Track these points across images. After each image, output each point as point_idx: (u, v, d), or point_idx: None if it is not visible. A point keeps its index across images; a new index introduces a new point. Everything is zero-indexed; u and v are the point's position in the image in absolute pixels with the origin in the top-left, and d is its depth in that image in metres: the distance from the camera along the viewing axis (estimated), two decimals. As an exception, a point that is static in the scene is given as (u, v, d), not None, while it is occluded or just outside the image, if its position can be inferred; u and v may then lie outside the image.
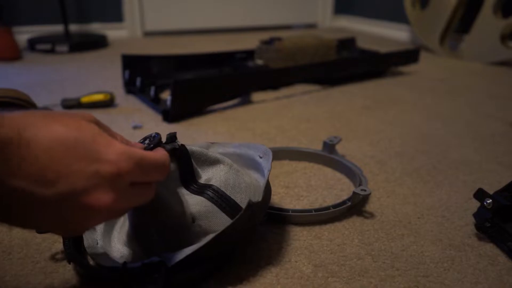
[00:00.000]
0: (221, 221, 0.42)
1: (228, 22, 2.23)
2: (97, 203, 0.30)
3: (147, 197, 0.35)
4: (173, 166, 0.42)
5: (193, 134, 0.81)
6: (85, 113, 0.33)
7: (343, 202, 0.54)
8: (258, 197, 0.43)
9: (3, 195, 0.27)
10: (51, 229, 0.32)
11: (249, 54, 1.29)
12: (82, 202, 0.29)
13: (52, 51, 1.62)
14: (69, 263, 0.42)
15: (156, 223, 0.40)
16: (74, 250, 0.42)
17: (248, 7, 2.25)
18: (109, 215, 0.32)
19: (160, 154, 0.36)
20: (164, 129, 0.83)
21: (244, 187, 0.45)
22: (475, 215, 0.51)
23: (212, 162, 0.46)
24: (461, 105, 1.01)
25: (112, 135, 0.35)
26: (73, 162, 0.29)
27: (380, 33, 2.19)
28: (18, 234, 0.49)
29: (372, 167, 0.68)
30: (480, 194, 0.51)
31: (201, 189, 0.44)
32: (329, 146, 0.68)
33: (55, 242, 0.47)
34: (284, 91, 1.11)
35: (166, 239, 0.41)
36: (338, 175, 0.65)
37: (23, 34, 1.81)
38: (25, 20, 1.87)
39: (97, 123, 0.33)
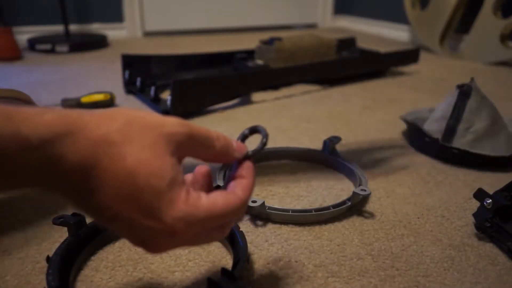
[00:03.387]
0: None
1: (228, 22, 2.23)
2: (147, 248, 0.30)
3: (221, 237, 0.34)
4: None
5: (193, 134, 0.81)
6: (176, 127, 0.29)
7: (343, 202, 0.54)
8: None
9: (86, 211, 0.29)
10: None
11: (249, 54, 1.29)
12: (136, 240, 0.30)
13: (52, 51, 1.62)
14: None
15: None
16: (59, 281, 0.38)
17: (248, 7, 2.24)
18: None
19: (235, 199, 0.32)
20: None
21: None
22: (475, 215, 0.51)
23: None
24: (461, 105, 1.01)
25: (202, 154, 0.33)
26: (131, 210, 0.28)
27: (380, 33, 2.19)
28: (19, 234, 0.49)
29: (372, 167, 0.68)
30: (480, 194, 0.51)
31: None
32: (329, 146, 0.68)
33: (55, 242, 0.47)
34: (284, 91, 1.11)
35: None
36: (338, 175, 0.65)
37: (23, 34, 1.81)
38: (25, 20, 1.87)
39: (186, 144, 0.30)
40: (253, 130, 0.37)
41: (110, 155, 0.27)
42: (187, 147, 0.30)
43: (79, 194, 0.27)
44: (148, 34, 2.09)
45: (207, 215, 0.30)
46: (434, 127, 0.72)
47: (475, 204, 0.52)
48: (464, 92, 0.70)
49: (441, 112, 0.72)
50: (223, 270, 0.36)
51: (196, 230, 0.30)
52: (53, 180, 0.26)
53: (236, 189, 0.33)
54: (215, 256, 0.46)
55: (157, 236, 0.29)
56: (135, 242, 0.30)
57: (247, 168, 0.35)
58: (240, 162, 0.35)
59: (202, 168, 0.35)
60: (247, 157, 0.35)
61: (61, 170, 0.25)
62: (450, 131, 0.69)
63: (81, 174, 0.26)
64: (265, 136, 0.36)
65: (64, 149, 0.25)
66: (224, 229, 0.33)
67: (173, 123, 0.29)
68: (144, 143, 0.28)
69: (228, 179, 0.35)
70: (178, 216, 0.28)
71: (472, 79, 0.70)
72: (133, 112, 0.29)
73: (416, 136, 0.76)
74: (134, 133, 0.28)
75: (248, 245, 0.47)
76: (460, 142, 0.68)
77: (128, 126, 0.28)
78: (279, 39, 1.24)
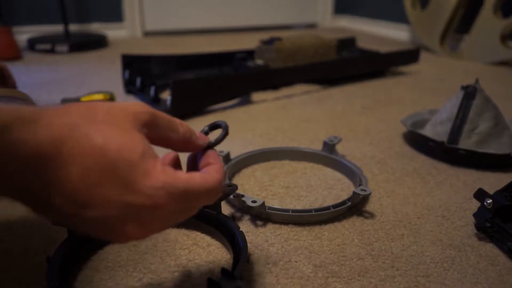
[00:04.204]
0: None
1: (228, 22, 2.23)
2: (129, 233, 0.28)
3: (189, 216, 0.33)
4: None
5: (193, 134, 0.81)
6: (139, 108, 0.29)
7: (343, 202, 0.54)
8: None
9: (49, 210, 0.26)
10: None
11: (249, 54, 1.29)
12: (115, 227, 0.28)
13: (52, 51, 1.62)
14: None
15: None
16: (59, 282, 0.38)
17: (248, 7, 2.24)
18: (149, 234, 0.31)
19: (211, 177, 0.31)
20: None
21: None
22: (475, 215, 0.51)
23: None
24: (461, 105, 1.01)
25: (169, 138, 0.32)
26: (106, 189, 0.26)
27: (380, 33, 2.19)
28: (19, 234, 0.49)
29: (372, 167, 0.68)
30: (480, 194, 0.50)
31: None
32: (329, 146, 0.68)
33: (55, 243, 0.47)
34: (284, 91, 1.11)
35: None
36: (338, 175, 0.65)
37: (23, 34, 1.81)
38: (25, 20, 1.87)
39: (151, 123, 0.30)
40: (214, 126, 0.38)
41: (75, 137, 0.26)
42: (152, 127, 0.30)
43: (42, 188, 0.25)
44: (148, 34, 2.09)
45: (187, 187, 0.29)
46: (438, 129, 0.72)
47: (476, 204, 0.52)
48: (469, 93, 0.70)
49: (446, 113, 0.72)
50: (223, 270, 0.36)
51: (177, 205, 0.29)
52: (10, 172, 0.24)
53: (210, 171, 0.33)
54: (215, 256, 0.46)
55: (138, 212, 0.27)
56: (113, 230, 0.28)
57: (212, 155, 0.35)
58: (204, 152, 0.36)
59: (170, 153, 0.36)
60: (209, 146, 0.36)
61: (20, 159, 0.24)
62: (456, 132, 0.69)
63: (43, 163, 0.25)
64: (225, 128, 0.37)
65: (23, 135, 0.24)
66: (195, 209, 0.32)
67: (136, 105, 0.30)
68: (109, 122, 0.27)
69: (195, 169, 0.36)
70: (158, 185, 0.27)
71: (476, 80, 0.70)
72: (96, 102, 0.29)
73: (418, 141, 0.76)
74: (99, 116, 0.27)
75: (248, 245, 0.47)
76: (466, 143, 0.68)
77: (91, 111, 0.28)
78: (279, 39, 1.24)
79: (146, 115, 0.30)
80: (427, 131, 0.75)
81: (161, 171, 0.28)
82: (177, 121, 0.33)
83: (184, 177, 0.29)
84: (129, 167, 0.27)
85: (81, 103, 0.28)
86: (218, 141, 0.37)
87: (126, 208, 0.27)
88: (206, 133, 0.38)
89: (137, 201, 0.27)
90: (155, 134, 0.31)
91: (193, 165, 0.37)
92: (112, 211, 0.27)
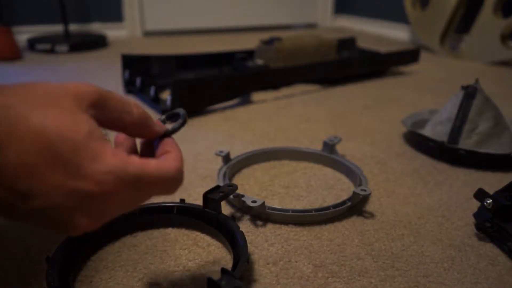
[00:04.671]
0: None
1: (228, 22, 2.23)
2: (79, 224, 0.26)
3: (143, 202, 0.30)
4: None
5: (193, 134, 0.81)
6: (83, 87, 0.27)
7: (343, 202, 0.54)
8: None
9: None
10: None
11: (249, 54, 1.29)
12: (63, 218, 0.26)
13: (52, 51, 1.62)
14: None
15: None
16: (59, 282, 0.38)
17: (248, 7, 2.24)
18: (96, 226, 0.28)
19: (168, 165, 0.29)
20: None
21: None
22: (475, 215, 0.51)
23: None
24: (461, 105, 1.01)
25: (121, 120, 0.29)
26: (49, 175, 0.24)
27: (380, 33, 2.19)
28: (19, 234, 0.49)
29: (372, 167, 0.68)
30: (480, 194, 0.51)
31: None
32: (329, 146, 0.68)
33: (55, 243, 0.47)
34: (284, 91, 1.11)
35: None
36: (338, 175, 0.65)
37: (23, 34, 1.81)
38: (25, 20, 1.87)
39: (99, 104, 0.28)
40: (171, 115, 0.37)
41: (10, 118, 0.23)
42: (101, 107, 0.28)
43: None
44: (148, 34, 2.09)
45: (140, 174, 0.27)
46: (439, 129, 0.72)
47: (476, 204, 0.52)
48: (469, 93, 0.70)
49: (446, 114, 0.72)
50: (223, 270, 0.36)
51: (129, 193, 0.27)
52: None
53: (167, 158, 0.31)
54: (215, 256, 0.46)
55: (86, 200, 0.25)
56: (61, 222, 0.26)
57: (170, 143, 0.33)
58: (161, 140, 0.34)
59: (123, 136, 0.34)
60: (167, 134, 0.34)
61: None
62: (456, 132, 0.69)
63: None
64: (183, 116, 0.36)
65: None
66: (149, 197, 0.29)
67: (80, 84, 0.27)
68: (49, 102, 0.25)
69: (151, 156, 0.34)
70: (107, 169, 0.25)
71: (476, 80, 0.70)
72: (36, 82, 0.26)
73: (418, 141, 0.76)
74: (36, 96, 0.25)
75: (248, 245, 0.47)
76: (466, 143, 0.68)
77: (28, 91, 0.25)
78: (279, 39, 1.24)
79: (92, 95, 0.27)
80: (427, 131, 0.75)
81: (111, 154, 0.26)
82: (132, 102, 0.31)
83: (137, 163, 0.27)
84: (73, 149, 0.24)
85: (19, 83, 0.26)
86: (176, 129, 0.35)
87: (73, 196, 0.25)
88: (164, 122, 0.36)
89: (84, 187, 0.25)
90: (105, 116, 0.28)
91: (148, 154, 0.34)
92: (57, 200, 0.25)
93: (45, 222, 0.26)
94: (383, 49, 1.50)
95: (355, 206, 0.56)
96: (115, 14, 2.02)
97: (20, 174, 0.24)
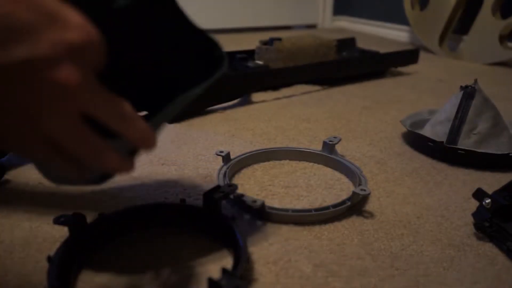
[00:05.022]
0: None
1: (228, 22, 2.23)
2: (64, 77, 0.24)
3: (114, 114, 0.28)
4: None
5: (193, 134, 0.81)
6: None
7: (343, 202, 0.54)
8: None
9: None
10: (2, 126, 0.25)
11: (249, 54, 1.29)
12: (45, 75, 0.23)
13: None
14: None
15: None
16: (59, 281, 0.38)
17: (248, 8, 2.25)
18: (76, 106, 0.25)
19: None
20: (164, 129, 0.83)
21: None
22: (474, 214, 0.52)
23: None
24: (460, 106, 1.01)
25: None
26: (36, 22, 0.23)
27: (379, 34, 2.20)
28: (20, 234, 0.49)
29: (372, 167, 0.68)
30: (479, 194, 0.51)
31: None
32: (329, 146, 0.68)
33: (56, 242, 0.47)
34: (284, 91, 1.12)
35: None
36: (338, 175, 0.66)
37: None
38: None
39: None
40: None
41: None
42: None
43: None
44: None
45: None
46: (438, 129, 0.72)
47: (475, 204, 0.52)
48: (468, 93, 0.70)
49: (445, 114, 0.72)
50: (223, 270, 0.36)
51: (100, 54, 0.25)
52: None
53: None
54: (215, 256, 0.46)
55: (69, 55, 0.24)
56: (27, 100, 0.23)
57: None
58: None
59: None
60: None
61: None
62: (455, 132, 0.69)
63: None
64: None
65: None
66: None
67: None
68: None
69: None
70: (85, 19, 0.24)
71: (475, 80, 0.71)
72: None
73: (418, 141, 0.76)
74: None
75: (248, 245, 0.47)
76: (465, 143, 0.69)
77: None
78: (279, 39, 1.25)
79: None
80: (427, 131, 0.75)
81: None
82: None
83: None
84: (53, 5, 0.24)
85: None
86: None
87: (59, 44, 0.23)
88: None
89: (70, 36, 0.24)
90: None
91: None
92: (42, 48, 0.23)
93: (20, 94, 0.24)
94: (382, 49, 1.50)
95: (354, 206, 0.56)
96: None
97: (11, 12, 0.22)
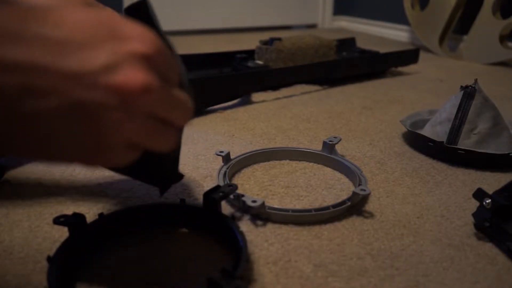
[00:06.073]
0: None
1: (228, 22, 2.23)
2: (124, 79, 0.23)
3: (170, 138, 0.30)
4: None
5: (193, 134, 0.81)
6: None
7: (343, 202, 0.54)
8: None
9: None
10: (68, 150, 0.24)
11: (249, 54, 1.29)
12: (104, 82, 0.23)
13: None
14: None
15: None
16: (59, 281, 0.38)
17: (248, 8, 2.25)
18: (146, 109, 0.25)
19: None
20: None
21: None
22: (474, 214, 0.51)
23: None
24: (460, 106, 1.01)
25: None
26: (97, 38, 0.23)
27: (379, 34, 2.20)
28: (19, 234, 0.49)
29: (372, 167, 0.68)
30: (479, 194, 0.51)
31: None
32: (329, 146, 0.68)
33: (55, 242, 0.47)
34: (284, 91, 1.12)
35: None
36: (338, 175, 0.66)
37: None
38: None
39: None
40: None
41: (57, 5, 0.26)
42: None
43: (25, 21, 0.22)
44: (148, 34, 2.09)
45: (163, 46, 0.27)
46: (438, 129, 0.72)
47: (475, 204, 0.52)
48: (469, 93, 0.70)
49: (445, 114, 0.72)
50: (223, 270, 0.36)
51: (161, 64, 0.26)
52: None
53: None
54: (215, 256, 0.46)
55: (128, 61, 0.24)
56: (91, 113, 0.23)
57: None
58: None
59: None
60: None
61: None
62: (455, 132, 0.69)
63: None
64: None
65: None
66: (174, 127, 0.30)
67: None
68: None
69: None
70: (141, 29, 0.25)
71: (475, 80, 0.71)
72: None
73: (418, 141, 0.76)
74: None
75: (248, 245, 0.47)
76: (465, 143, 0.69)
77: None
78: (279, 39, 1.25)
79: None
80: (427, 131, 0.75)
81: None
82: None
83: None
84: (112, 19, 0.25)
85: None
86: None
87: (117, 54, 0.23)
88: None
89: (127, 46, 0.24)
90: None
91: None
92: (102, 56, 0.23)
93: (82, 110, 0.23)
94: (383, 49, 1.50)
95: (354, 206, 0.56)
96: (115, 15, 2.02)
97: (71, 34, 0.23)
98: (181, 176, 0.48)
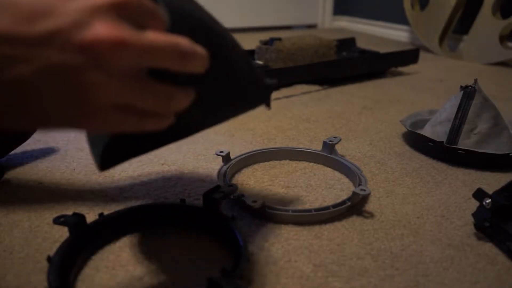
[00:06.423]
0: None
1: (228, 22, 2.23)
2: (93, 35, 0.22)
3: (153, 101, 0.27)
4: None
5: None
6: None
7: (343, 202, 0.54)
8: None
9: None
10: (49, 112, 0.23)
11: (249, 54, 1.29)
12: (74, 41, 0.22)
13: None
14: None
15: None
16: (59, 281, 0.38)
17: (248, 8, 2.25)
18: (129, 62, 0.24)
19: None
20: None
21: None
22: (474, 214, 0.52)
23: None
24: (460, 106, 1.01)
25: None
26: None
27: (379, 34, 2.20)
28: (19, 234, 0.49)
29: (372, 167, 0.68)
30: (479, 194, 0.51)
31: None
32: (329, 146, 0.68)
33: (55, 242, 0.47)
34: (284, 91, 1.12)
35: None
36: (338, 175, 0.66)
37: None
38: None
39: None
40: None
41: None
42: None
43: None
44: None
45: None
46: (438, 129, 0.72)
47: (475, 204, 0.52)
48: (468, 93, 0.70)
49: (445, 114, 0.72)
50: (223, 270, 0.36)
51: (135, 14, 0.24)
52: None
53: None
54: (215, 256, 0.46)
55: (100, 15, 0.23)
56: (64, 73, 0.22)
57: None
58: None
59: None
60: None
61: None
62: (455, 132, 0.69)
63: None
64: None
65: None
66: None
67: None
68: None
69: None
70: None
71: (475, 80, 0.71)
72: None
73: (418, 141, 0.76)
74: None
75: (248, 245, 0.47)
76: (465, 143, 0.69)
77: None
78: (279, 39, 1.25)
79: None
80: (426, 131, 0.75)
81: None
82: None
83: None
84: None
85: None
86: None
87: (87, 10, 0.23)
88: None
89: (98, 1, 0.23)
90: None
91: None
92: (70, 16, 0.22)
93: (56, 71, 0.22)
94: (383, 49, 1.50)
95: (354, 206, 0.56)
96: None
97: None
98: (273, 83, 0.43)
